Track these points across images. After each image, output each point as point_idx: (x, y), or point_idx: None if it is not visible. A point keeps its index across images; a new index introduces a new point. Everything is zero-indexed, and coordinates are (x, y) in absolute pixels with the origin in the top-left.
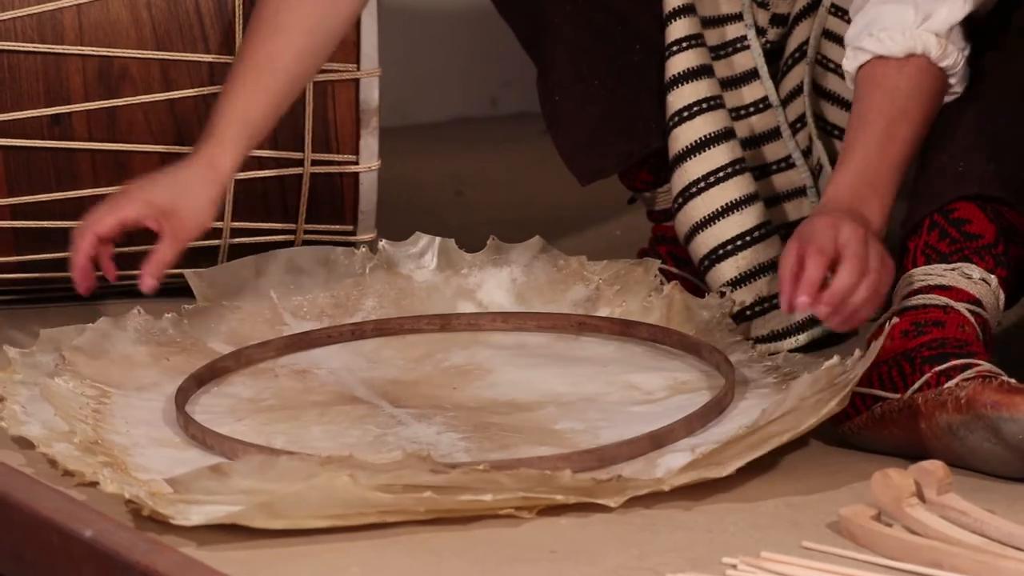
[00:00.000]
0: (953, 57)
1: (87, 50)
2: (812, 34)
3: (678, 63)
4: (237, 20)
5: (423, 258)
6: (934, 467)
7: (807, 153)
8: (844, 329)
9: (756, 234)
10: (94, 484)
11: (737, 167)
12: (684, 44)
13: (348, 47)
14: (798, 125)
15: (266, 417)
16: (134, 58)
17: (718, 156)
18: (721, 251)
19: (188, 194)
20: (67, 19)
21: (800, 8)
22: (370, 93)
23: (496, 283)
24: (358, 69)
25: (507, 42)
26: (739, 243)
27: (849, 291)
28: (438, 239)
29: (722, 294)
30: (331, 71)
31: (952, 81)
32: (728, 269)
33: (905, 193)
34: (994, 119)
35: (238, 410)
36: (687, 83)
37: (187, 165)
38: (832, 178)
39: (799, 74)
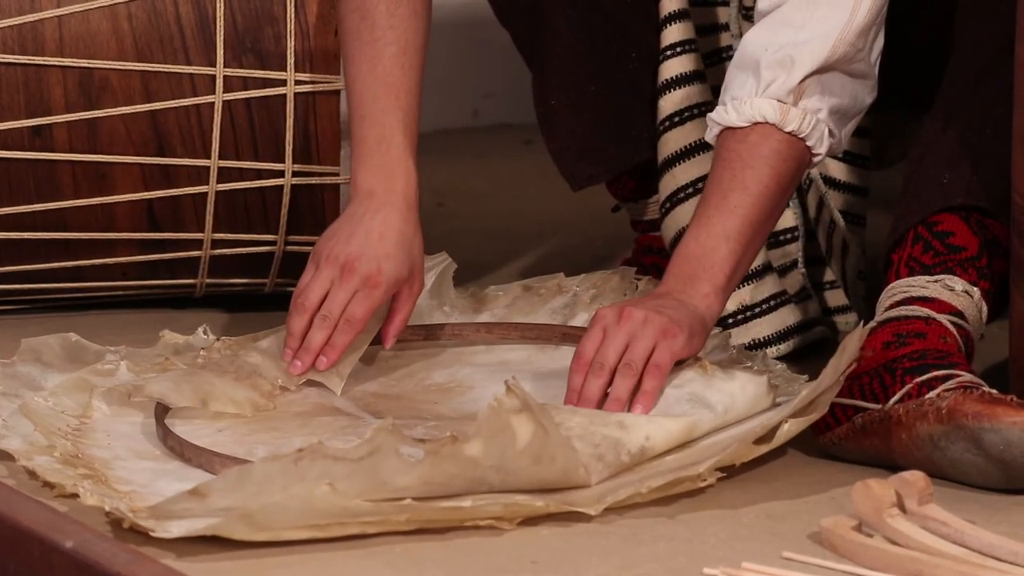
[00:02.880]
0: (798, 121)
1: (68, 61)
2: None
3: (671, 68)
4: (218, 31)
5: (427, 274)
6: (915, 478)
7: None
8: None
9: None
10: (75, 496)
11: None
12: (679, 49)
13: (330, 59)
14: None
15: (247, 428)
16: (115, 69)
17: (707, 162)
18: None
19: (413, 250)
20: (48, 30)
21: None
22: None
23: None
24: (339, 78)
25: (488, 54)
26: None
27: (575, 393)
28: (448, 260)
29: None
30: (313, 83)
31: (809, 144)
32: None
33: (890, 204)
34: (978, 130)
35: (219, 419)
36: (679, 88)
37: (387, 208)
38: (669, 261)
39: None
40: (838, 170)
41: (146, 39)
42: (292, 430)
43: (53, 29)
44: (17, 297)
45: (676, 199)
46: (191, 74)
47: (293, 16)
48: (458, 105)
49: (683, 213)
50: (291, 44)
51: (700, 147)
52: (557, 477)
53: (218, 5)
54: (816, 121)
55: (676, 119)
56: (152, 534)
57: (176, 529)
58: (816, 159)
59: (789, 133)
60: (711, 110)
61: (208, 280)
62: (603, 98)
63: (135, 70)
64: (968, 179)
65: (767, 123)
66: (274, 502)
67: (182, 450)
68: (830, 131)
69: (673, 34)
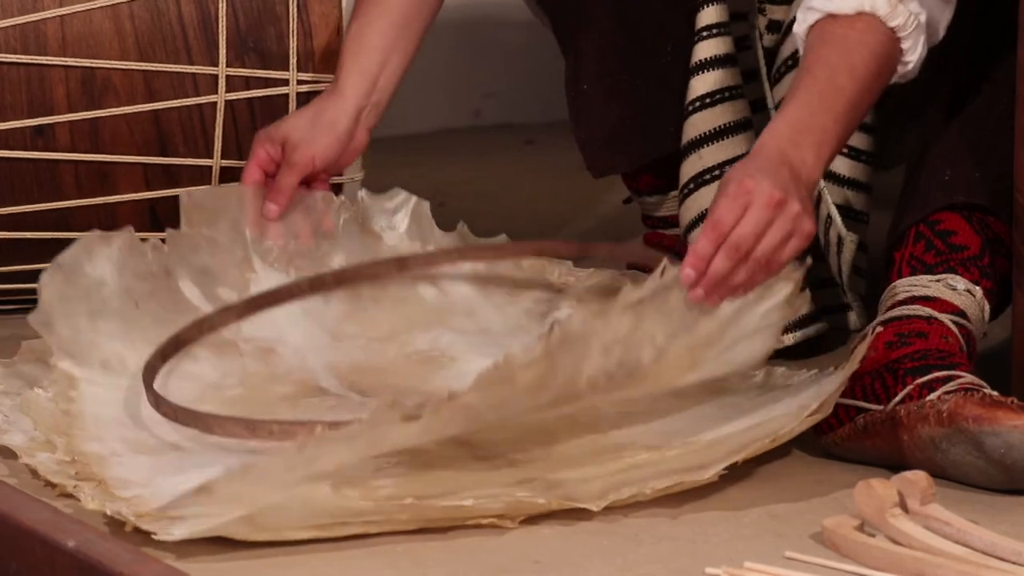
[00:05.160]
0: (903, 17)
1: (70, 61)
2: None
3: (705, 49)
4: (220, 31)
5: (395, 216)
6: (917, 477)
7: None
8: (709, 302)
9: None
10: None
11: None
12: (714, 31)
13: (332, 58)
14: None
15: (233, 410)
16: (117, 69)
17: (736, 146)
18: None
19: (308, 122)
20: (50, 30)
21: (795, 16)
22: None
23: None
24: None
25: (490, 53)
26: None
27: (704, 260)
28: (414, 199)
29: None
30: (315, 82)
31: (904, 47)
32: None
33: (891, 202)
34: (980, 128)
35: (204, 399)
36: (712, 70)
37: (318, 98)
38: (770, 123)
39: (790, 82)
40: (840, 164)
41: (148, 39)
42: (281, 413)
43: (55, 28)
44: (19, 296)
45: (701, 180)
46: (193, 74)
47: (295, 15)
48: (459, 105)
49: (706, 196)
50: (293, 43)
51: (729, 130)
52: (556, 397)
53: (220, 4)
54: (917, 24)
55: (708, 100)
56: (155, 537)
57: (178, 531)
58: (902, 68)
59: (891, 29)
60: (740, 94)
61: None
62: (634, 89)
63: (137, 70)
64: (970, 177)
65: (874, 15)
66: (275, 503)
67: (176, 416)
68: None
69: (709, 16)
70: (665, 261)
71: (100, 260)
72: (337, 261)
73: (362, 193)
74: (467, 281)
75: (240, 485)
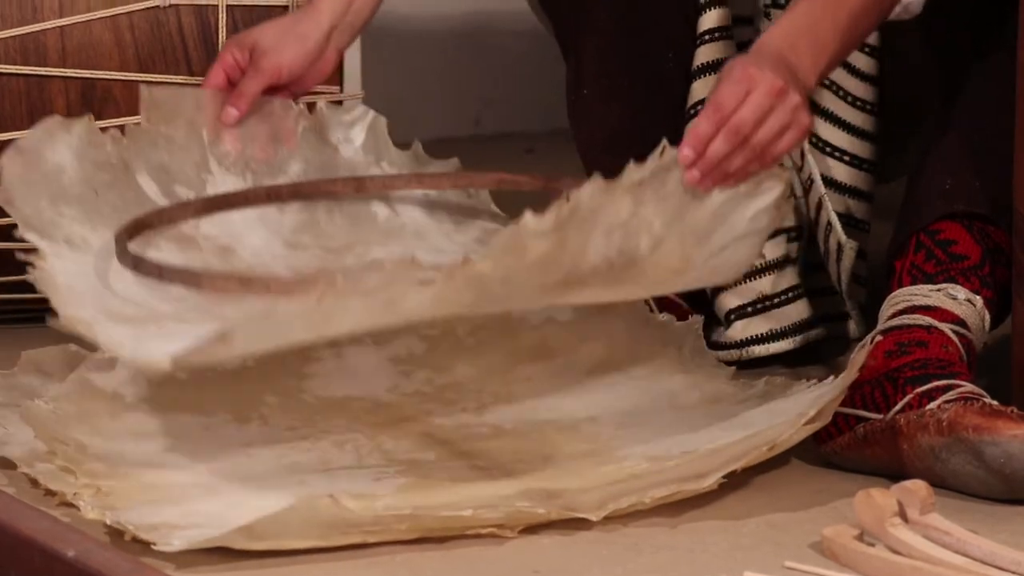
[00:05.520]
0: None
1: (70, 72)
2: None
3: (705, 53)
4: (220, 42)
5: (352, 129)
6: (917, 487)
7: (799, 168)
8: (702, 185)
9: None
10: (75, 507)
11: None
12: (716, 35)
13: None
14: None
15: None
16: (117, 80)
17: None
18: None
19: (280, 32)
20: (50, 41)
21: None
22: None
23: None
24: (341, 91)
25: (489, 61)
26: None
27: (703, 141)
28: (372, 114)
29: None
30: (314, 93)
31: None
32: None
33: (891, 211)
34: (980, 137)
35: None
36: (712, 75)
37: (293, 12)
38: (770, 27)
39: None
40: (840, 171)
41: (148, 50)
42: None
43: (55, 39)
44: (17, 307)
45: None
46: (193, 85)
47: None
48: (459, 113)
49: None
50: None
51: None
52: (561, 278)
53: (220, 15)
54: None
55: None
56: (154, 547)
57: (178, 542)
58: (898, 11)
59: None
60: None
61: None
62: (635, 93)
63: (137, 80)
64: (970, 185)
65: None
66: (274, 514)
67: (161, 274)
68: None
69: (710, 20)
70: (664, 142)
71: (60, 147)
72: (294, 169)
73: (321, 103)
74: (418, 204)
75: (258, 328)
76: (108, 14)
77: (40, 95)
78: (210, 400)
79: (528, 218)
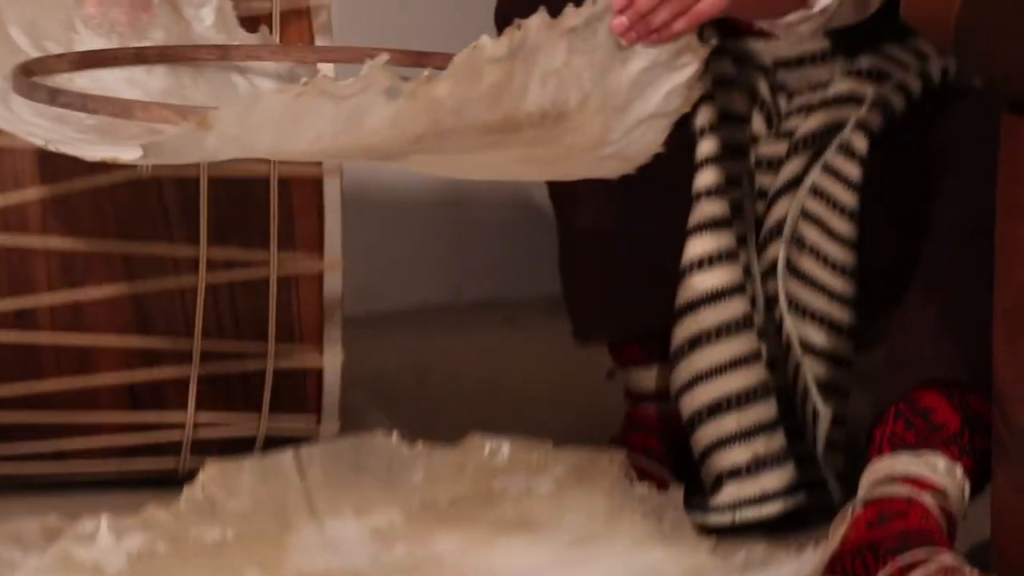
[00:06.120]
0: None
1: (51, 242)
2: (790, 214)
3: (703, 210)
4: (202, 211)
5: (203, 9)
6: None
7: (778, 331)
8: (628, 36)
9: (759, 391)
10: None
11: (749, 321)
12: (713, 191)
13: (313, 242)
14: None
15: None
16: (97, 251)
17: (733, 308)
18: (726, 403)
19: None
20: (31, 211)
21: (782, 184)
22: (334, 284)
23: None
24: (321, 260)
25: (470, 230)
26: (744, 397)
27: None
28: None
29: (702, 462)
30: (295, 261)
31: None
32: (730, 424)
33: (870, 376)
34: (959, 305)
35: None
36: (707, 231)
37: None
38: None
39: (775, 252)
40: (818, 337)
41: (129, 219)
42: None
43: (36, 210)
44: None
45: (696, 343)
46: (173, 256)
47: (276, 199)
48: (440, 281)
49: (702, 359)
50: (274, 227)
51: (725, 292)
52: (501, 118)
53: (202, 187)
54: None
55: (707, 262)
56: None
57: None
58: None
59: None
60: (737, 259)
61: (191, 459)
62: (628, 253)
63: (117, 251)
64: (949, 353)
65: None
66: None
67: (85, 104)
68: None
69: (707, 178)
70: None
71: None
72: (157, 36)
73: None
74: (275, 79)
75: (237, 125)
76: (88, 185)
77: (21, 265)
78: (191, 573)
79: (485, 40)
